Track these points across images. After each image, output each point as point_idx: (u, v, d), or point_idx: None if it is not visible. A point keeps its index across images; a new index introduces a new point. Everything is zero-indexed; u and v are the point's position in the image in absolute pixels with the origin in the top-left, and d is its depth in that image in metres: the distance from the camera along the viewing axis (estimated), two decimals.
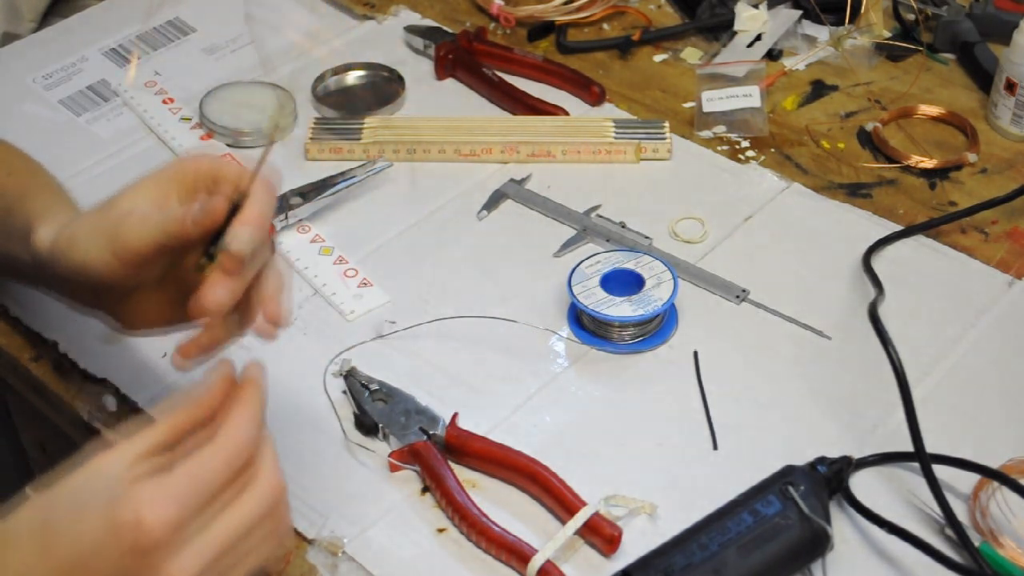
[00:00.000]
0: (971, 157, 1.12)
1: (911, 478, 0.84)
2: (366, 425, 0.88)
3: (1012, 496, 0.81)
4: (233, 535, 0.62)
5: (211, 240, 0.69)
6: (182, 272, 0.73)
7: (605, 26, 1.32)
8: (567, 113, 1.18)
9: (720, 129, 1.16)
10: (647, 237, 1.04)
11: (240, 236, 0.68)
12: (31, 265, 0.79)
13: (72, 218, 0.77)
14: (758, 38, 1.26)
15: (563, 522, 0.81)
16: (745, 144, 1.15)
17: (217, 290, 0.68)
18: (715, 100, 1.16)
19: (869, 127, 1.16)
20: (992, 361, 0.93)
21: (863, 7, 1.26)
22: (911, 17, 1.27)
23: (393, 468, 0.86)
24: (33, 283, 0.84)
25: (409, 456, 0.86)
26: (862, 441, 0.87)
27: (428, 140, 1.13)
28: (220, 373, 0.65)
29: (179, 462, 0.61)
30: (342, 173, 1.09)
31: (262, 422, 0.65)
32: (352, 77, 1.24)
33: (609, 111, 1.19)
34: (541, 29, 1.30)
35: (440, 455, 0.85)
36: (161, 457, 0.62)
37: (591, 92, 1.20)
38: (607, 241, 1.04)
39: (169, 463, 0.62)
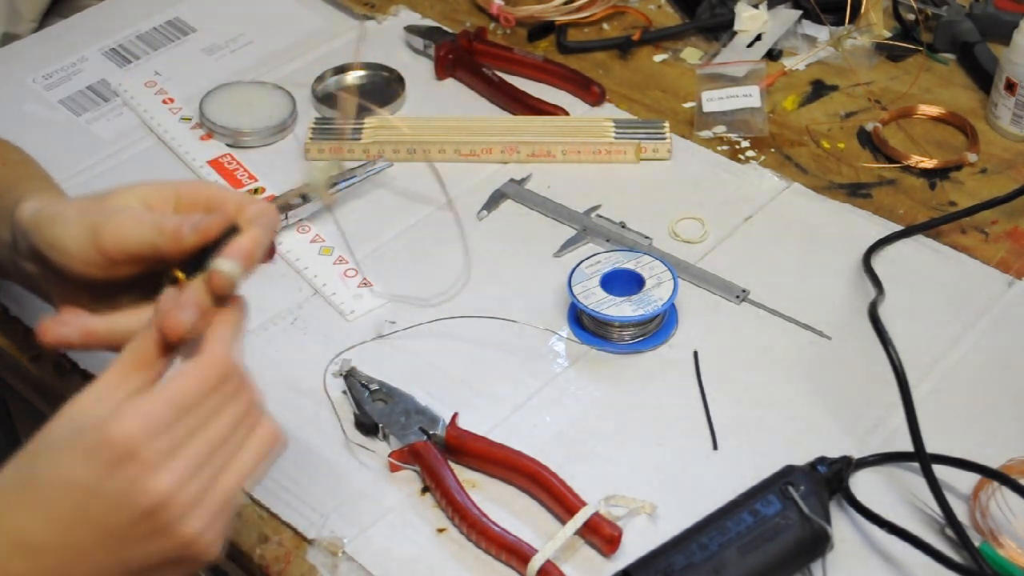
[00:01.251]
0: (971, 157, 1.12)
1: (911, 478, 0.84)
2: (366, 425, 0.88)
3: (1012, 496, 0.81)
4: (212, 443, 0.63)
5: (189, 258, 0.68)
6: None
7: (605, 26, 1.32)
8: (567, 113, 1.18)
9: (720, 129, 1.16)
10: (647, 237, 1.04)
11: (226, 263, 0.67)
12: (8, 244, 0.78)
13: (61, 198, 0.77)
14: (758, 38, 1.26)
15: (563, 522, 0.81)
16: (745, 144, 1.15)
17: (187, 311, 0.66)
18: (715, 100, 1.16)
19: (869, 127, 1.16)
20: (992, 361, 0.93)
21: (863, 7, 1.26)
22: (911, 17, 1.27)
23: (393, 468, 0.86)
24: (5, 265, 0.82)
25: (409, 456, 0.86)
26: (862, 441, 0.87)
27: (428, 140, 1.13)
28: (188, 300, 0.65)
29: (169, 378, 0.63)
30: (342, 173, 1.09)
31: (239, 339, 0.66)
32: (352, 77, 1.24)
33: (609, 111, 1.19)
34: (541, 29, 1.30)
35: (440, 455, 0.85)
36: (136, 381, 0.64)
37: (591, 92, 1.20)
38: (607, 241, 1.04)
39: (145, 384, 0.64)
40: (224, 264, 0.67)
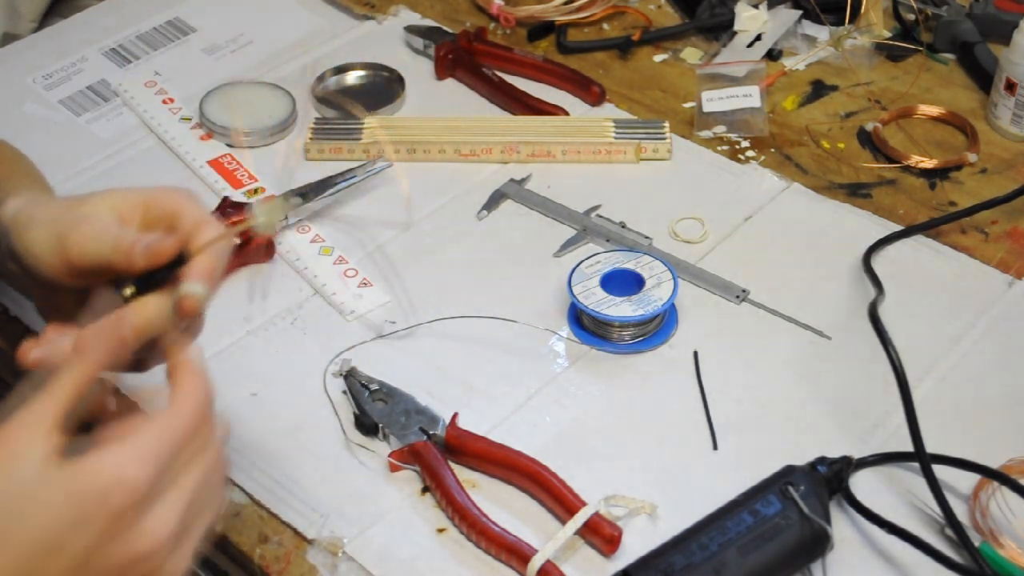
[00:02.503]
0: (971, 157, 1.12)
1: (911, 478, 0.84)
2: (366, 425, 0.88)
3: (1012, 496, 0.81)
4: (197, 486, 0.62)
5: (142, 274, 0.68)
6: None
7: (605, 26, 1.32)
8: (567, 113, 1.18)
9: (720, 129, 1.16)
10: (647, 237, 1.04)
11: (194, 286, 0.67)
12: None
13: (41, 199, 0.76)
14: (758, 38, 1.26)
15: (563, 522, 0.81)
16: (745, 144, 1.15)
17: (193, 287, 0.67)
18: (715, 100, 1.16)
19: (869, 127, 1.16)
20: (992, 361, 0.93)
21: (863, 7, 1.26)
22: (911, 17, 1.28)
23: (393, 468, 0.86)
24: None
25: (409, 456, 0.86)
26: (862, 441, 0.87)
27: (428, 140, 1.13)
28: (109, 334, 0.65)
29: (144, 424, 0.61)
30: (342, 173, 1.09)
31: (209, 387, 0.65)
32: (352, 77, 1.24)
33: (609, 111, 1.19)
34: (541, 29, 1.30)
35: (440, 455, 0.85)
36: (68, 431, 0.61)
37: (591, 92, 1.20)
38: (607, 241, 1.04)
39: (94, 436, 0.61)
40: (193, 287, 0.66)
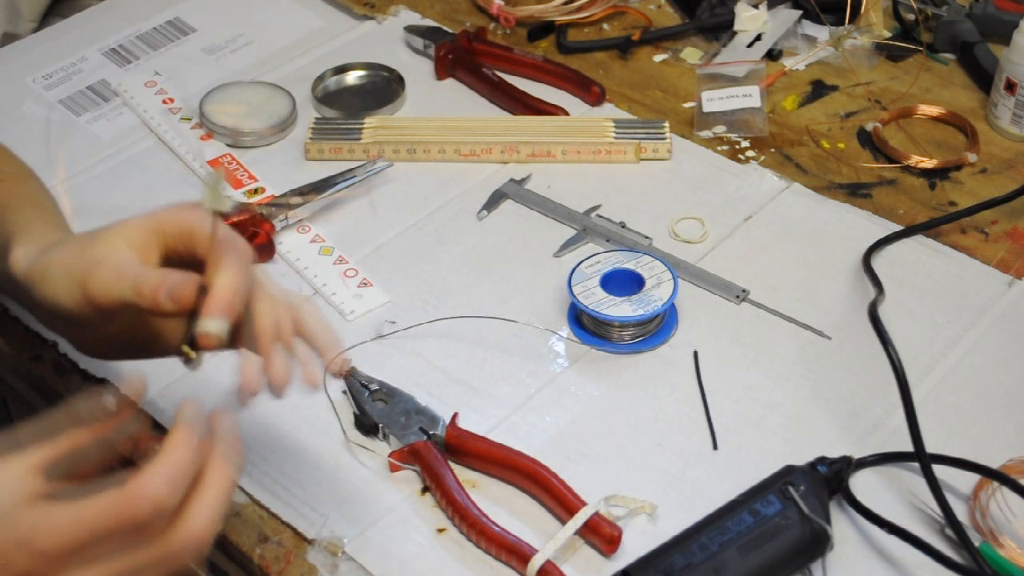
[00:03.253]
0: (971, 157, 1.12)
1: (911, 478, 0.84)
2: (366, 425, 0.88)
3: (1012, 496, 0.81)
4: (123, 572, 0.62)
5: (190, 322, 0.68)
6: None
7: (605, 26, 1.32)
8: (567, 113, 1.18)
9: (720, 129, 1.16)
10: (647, 237, 1.04)
11: (209, 323, 0.67)
12: (6, 279, 0.78)
13: (50, 244, 0.75)
14: (758, 38, 1.26)
15: (563, 522, 0.81)
16: (745, 144, 1.15)
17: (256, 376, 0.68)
18: (715, 100, 1.16)
19: (869, 127, 1.16)
20: (992, 361, 0.93)
21: (863, 7, 1.26)
22: (911, 17, 1.28)
23: (393, 468, 0.86)
24: (6, 292, 0.82)
25: (409, 456, 0.86)
26: (862, 441, 0.87)
27: (428, 140, 1.13)
28: (127, 400, 0.64)
29: (78, 496, 0.61)
30: (342, 173, 1.09)
31: (183, 476, 0.63)
32: (352, 77, 1.24)
33: (609, 111, 1.19)
34: (541, 29, 1.30)
35: (440, 455, 0.85)
36: (53, 478, 0.62)
37: (591, 92, 1.20)
38: (607, 241, 1.04)
39: (61, 488, 0.61)
40: (210, 324, 0.67)
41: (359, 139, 1.14)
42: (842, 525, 0.82)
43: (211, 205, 0.68)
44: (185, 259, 0.72)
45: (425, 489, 0.85)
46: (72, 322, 0.73)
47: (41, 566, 0.60)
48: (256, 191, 1.10)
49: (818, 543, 0.78)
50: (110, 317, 0.71)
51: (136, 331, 0.75)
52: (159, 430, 0.90)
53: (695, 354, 0.94)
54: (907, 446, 0.81)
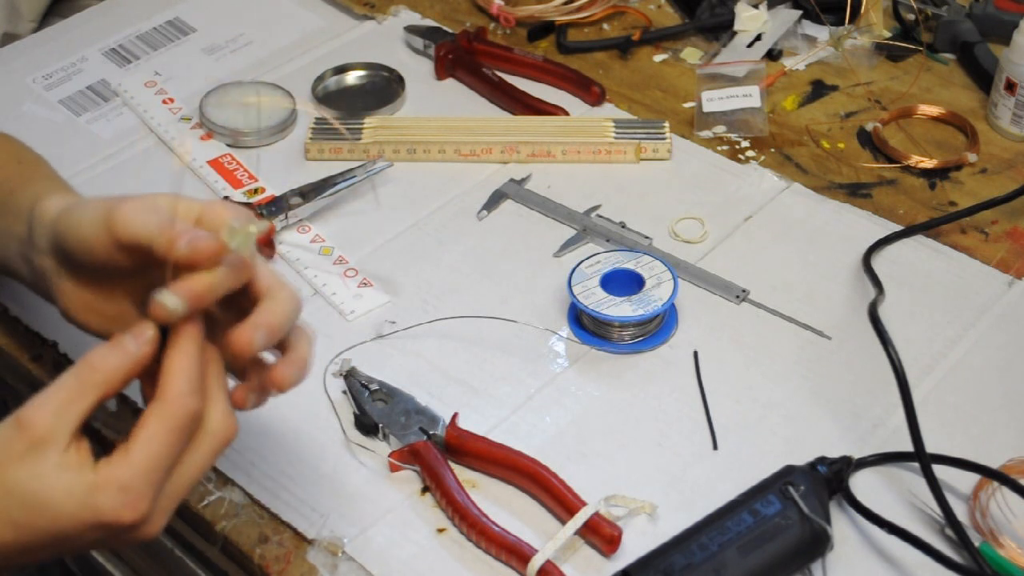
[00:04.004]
0: (971, 157, 1.12)
1: (911, 478, 0.84)
2: (366, 425, 0.88)
3: (1012, 496, 0.81)
4: (191, 483, 0.68)
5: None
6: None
7: (605, 26, 1.32)
8: (567, 113, 1.18)
9: (720, 129, 1.16)
10: (647, 237, 1.04)
11: (173, 300, 0.67)
12: (21, 239, 0.78)
13: (82, 197, 0.78)
14: (758, 38, 1.26)
15: (563, 522, 0.81)
16: (745, 144, 1.15)
17: (252, 335, 0.68)
18: (715, 100, 1.16)
19: (869, 127, 1.16)
20: (992, 361, 0.93)
21: (863, 7, 1.26)
22: (911, 17, 1.28)
23: (393, 468, 0.86)
24: (14, 261, 0.82)
25: (409, 456, 0.86)
26: (862, 441, 0.87)
27: (428, 140, 1.13)
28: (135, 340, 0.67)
29: (132, 443, 0.64)
30: (342, 173, 1.09)
31: (198, 367, 0.67)
32: (352, 77, 1.24)
33: (609, 111, 1.19)
34: (541, 29, 1.30)
35: (440, 455, 0.85)
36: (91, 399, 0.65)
37: (591, 92, 1.20)
38: (607, 241, 1.04)
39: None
40: (168, 298, 0.66)
41: (359, 139, 1.13)
42: (842, 525, 0.82)
43: (233, 242, 0.67)
44: None
45: (425, 489, 0.85)
46: (81, 263, 0.72)
47: (132, 526, 0.65)
48: (256, 191, 1.10)
49: (818, 543, 0.78)
50: (121, 254, 0.70)
51: (131, 301, 0.75)
52: None
53: (695, 354, 0.94)
54: (907, 446, 0.81)
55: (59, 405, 0.64)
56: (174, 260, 0.67)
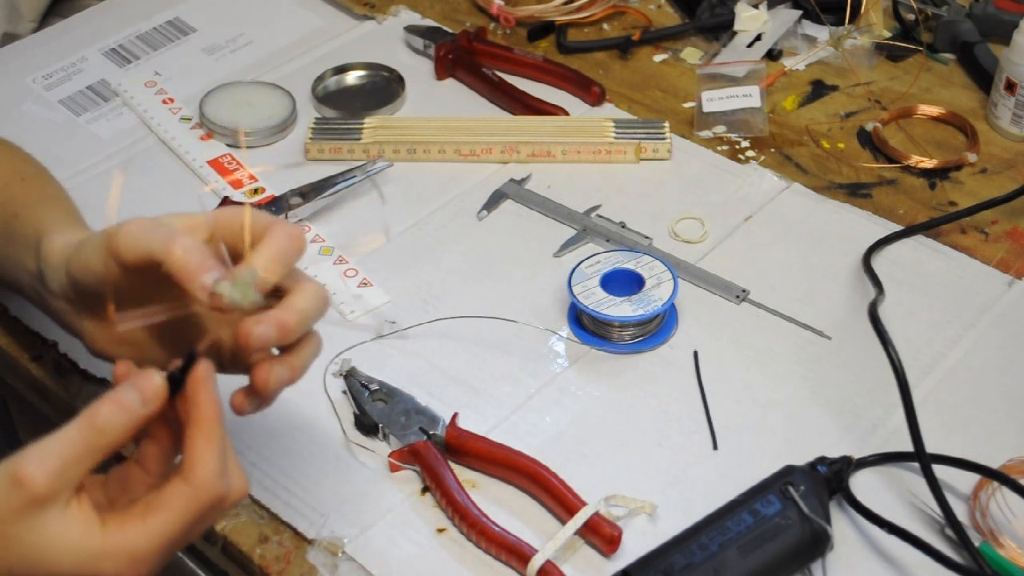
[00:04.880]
0: (971, 157, 1.12)
1: (911, 478, 0.84)
2: (366, 425, 0.88)
3: (1012, 496, 0.81)
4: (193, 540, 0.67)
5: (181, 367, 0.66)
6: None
7: (605, 26, 1.32)
8: (567, 113, 1.18)
9: (720, 129, 1.16)
10: (647, 237, 1.04)
11: (227, 288, 0.66)
12: (31, 273, 0.78)
13: (85, 235, 0.76)
14: (758, 38, 1.26)
15: (563, 522, 0.81)
16: (745, 144, 1.15)
17: (261, 328, 0.66)
18: (715, 100, 1.16)
19: (869, 127, 1.16)
20: (992, 361, 0.93)
21: (863, 7, 1.26)
22: (911, 17, 1.28)
23: (393, 468, 0.86)
24: (27, 292, 0.82)
25: (409, 456, 0.86)
26: (862, 441, 0.87)
27: (428, 140, 1.13)
28: (142, 392, 0.64)
29: (151, 514, 0.63)
30: (342, 173, 1.09)
31: (223, 445, 0.65)
32: (352, 77, 1.24)
33: (609, 111, 1.19)
34: (541, 29, 1.30)
35: (440, 455, 0.85)
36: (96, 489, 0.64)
37: (591, 92, 1.20)
38: (607, 241, 1.04)
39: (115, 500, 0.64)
40: (222, 287, 0.65)
41: (359, 139, 1.14)
42: (842, 525, 0.82)
43: (233, 296, 0.66)
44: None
45: (425, 489, 0.85)
46: (93, 304, 0.72)
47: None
48: (256, 191, 1.10)
49: (818, 543, 0.78)
50: (128, 276, 0.70)
51: (153, 327, 0.74)
52: None
53: (695, 354, 0.94)
54: (907, 446, 0.81)
55: (61, 465, 0.61)
56: (173, 262, 0.66)
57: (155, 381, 0.64)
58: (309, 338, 0.71)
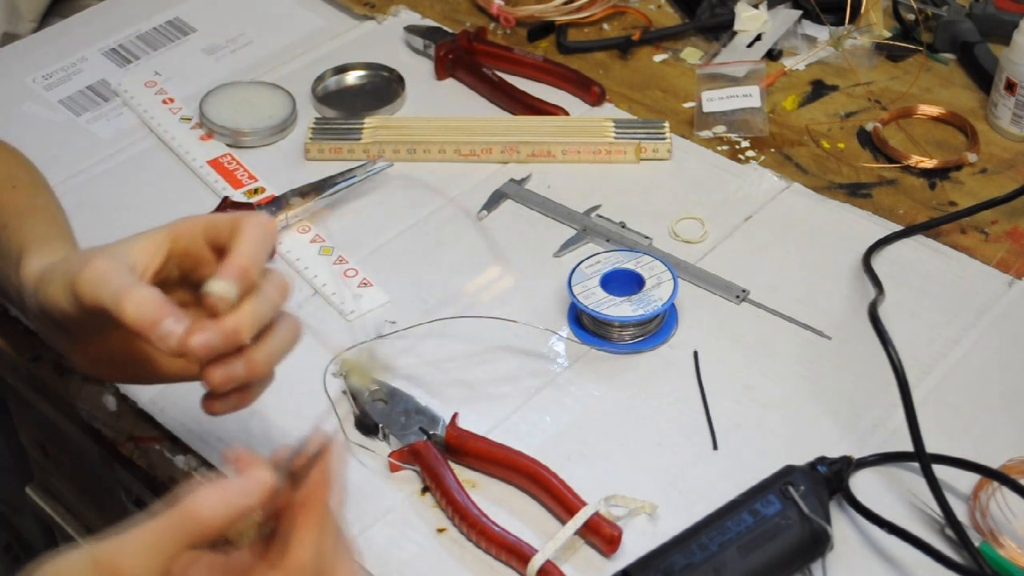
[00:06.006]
0: (971, 157, 1.12)
1: (911, 478, 0.84)
2: (366, 425, 0.88)
3: (1012, 496, 0.81)
4: None
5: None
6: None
7: (605, 26, 1.32)
8: (567, 113, 1.18)
9: (720, 129, 1.16)
10: (647, 237, 1.04)
11: (216, 285, 0.65)
12: (15, 288, 0.78)
13: (63, 254, 0.76)
14: (758, 38, 1.26)
15: (563, 522, 0.81)
16: (745, 144, 1.15)
17: (202, 333, 0.65)
18: (715, 100, 1.16)
19: (869, 127, 1.16)
20: (992, 361, 0.93)
21: (863, 7, 1.26)
22: (911, 17, 1.28)
23: (393, 468, 0.86)
24: (15, 303, 0.82)
25: (409, 456, 0.86)
26: (862, 441, 0.87)
27: (428, 140, 1.13)
28: (263, 480, 0.59)
29: None
30: (342, 173, 1.09)
31: (328, 527, 0.61)
32: (352, 77, 1.24)
33: (609, 111, 1.19)
34: (541, 29, 1.30)
35: (440, 455, 0.85)
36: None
37: (591, 92, 1.20)
38: (607, 241, 1.04)
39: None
40: (215, 286, 0.65)
41: (359, 139, 1.14)
42: (842, 525, 0.82)
43: (356, 377, 0.64)
44: (194, 268, 0.71)
45: (425, 489, 0.85)
46: (68, 329, 0.72)
47: None
48: (256, 191, 1.10)
49: (818, 543, 0.78)
50: (100, 325, 0.69)
51: (129, 351, 0.73)
52: (157, 429, 0.90)
53: (695, 354, 0.94)
54: (907, 446, 0.81)
55: (150, 552, 0.56)
56: (124, 319, 0.65)
57: (264, 479, 0.59)
58: (272, 329, 0.69)
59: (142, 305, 0.65)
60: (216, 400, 0.70)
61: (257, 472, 0.59)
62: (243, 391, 0.70)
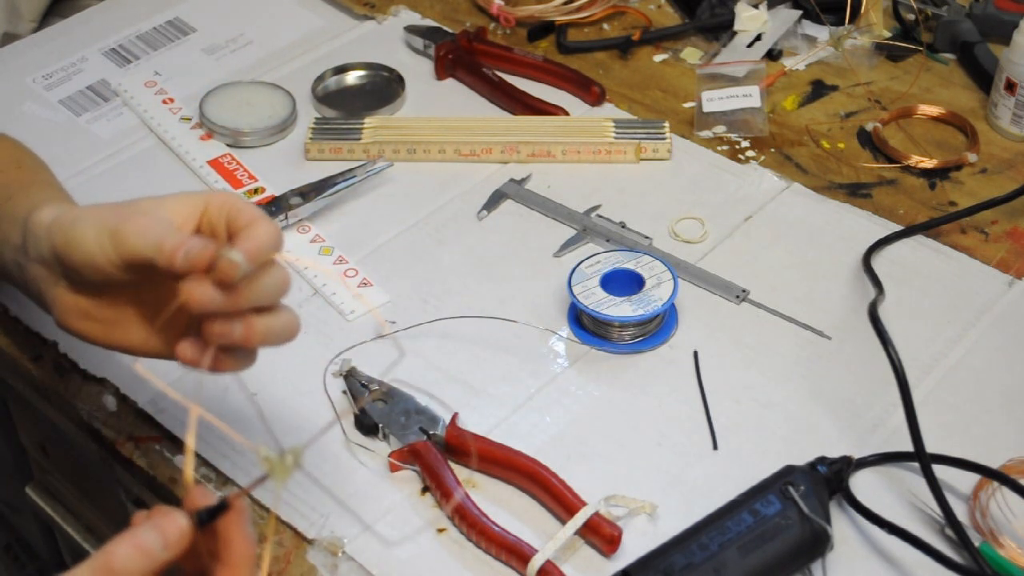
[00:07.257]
0: (971, 157, 1.12)
1: (911, 478, 0.84)
2: (366, 425, 0.88)
3: (1012, 496, 0.81)
4: None
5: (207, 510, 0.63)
6: (156, 296, 0.72)
7: (605, 26, 1.32)
8: (567, 113, 1.18)
9: (720, 129, 1.16)
10: (647, 237, 1.04)
11: (235, 254, 0.65)
12: (15, 247, 0.78)
13: (83, 206, 0.77)
14: (758, 38, 1.26)
15: (563, 522, 0.81)
16: (745, 144, 1.15)
17: (203, 288, 0.66)
18: (715, 100, 1.16)
19: (869, 127, 1.16)
20: (992, 361, 0.93)
21: (863, 7, 1.26)
22: (911, 17, 1.28)
23: (393, 468, 0.86)
24: (9, 267, 0.81)
25: (409, 456, 0.86)
26: (862, 441, 0.87)
27: (428, 140, 1.13)
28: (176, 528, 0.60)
29: None
30: (342, 173, 1.09)
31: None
32: (352, 77, 1.24)
33: (609, 111, 1.19)
34: (541, 29, 1.30)
35: (440, 455, 0.85)
36: None
37: (591, 92, 1.20)
38: (607, 241, 1.04)
39: None
40: (233, 252, 0.65)
41: (359, 139, 1.14)
42: (842, 525, 0.82)
43: (273, 474, 0.64)
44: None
45: (425, 489, 0.85)
46: (77, 270, 0.72)
47: None
48: (256, 191, 1.10)
49: (818, 543, 0.78)
50: (128, 272, 0.70)
51: (125, 311, 0.74)
52: (157, 429, 0.90)
53: (695, 354, 0.94)
54: (907, 446, 0.81)
55: None
56: (177, 271, 0.66)
57: (179, 523, 0.59)
58: (272, 311, 0.70)
59: (191, 249, 0.66)
60: (191, 344, 0.69)
61: (173, 523, 0.59)
62: (222, 356, 0.70)
